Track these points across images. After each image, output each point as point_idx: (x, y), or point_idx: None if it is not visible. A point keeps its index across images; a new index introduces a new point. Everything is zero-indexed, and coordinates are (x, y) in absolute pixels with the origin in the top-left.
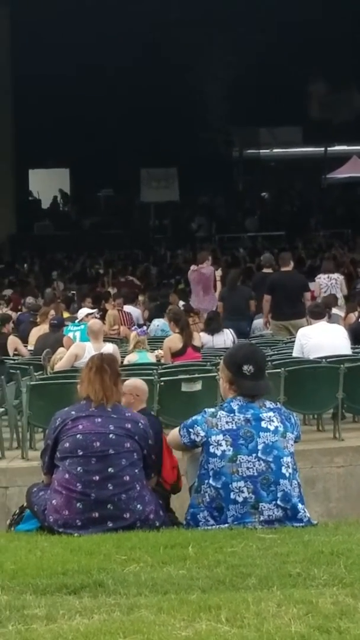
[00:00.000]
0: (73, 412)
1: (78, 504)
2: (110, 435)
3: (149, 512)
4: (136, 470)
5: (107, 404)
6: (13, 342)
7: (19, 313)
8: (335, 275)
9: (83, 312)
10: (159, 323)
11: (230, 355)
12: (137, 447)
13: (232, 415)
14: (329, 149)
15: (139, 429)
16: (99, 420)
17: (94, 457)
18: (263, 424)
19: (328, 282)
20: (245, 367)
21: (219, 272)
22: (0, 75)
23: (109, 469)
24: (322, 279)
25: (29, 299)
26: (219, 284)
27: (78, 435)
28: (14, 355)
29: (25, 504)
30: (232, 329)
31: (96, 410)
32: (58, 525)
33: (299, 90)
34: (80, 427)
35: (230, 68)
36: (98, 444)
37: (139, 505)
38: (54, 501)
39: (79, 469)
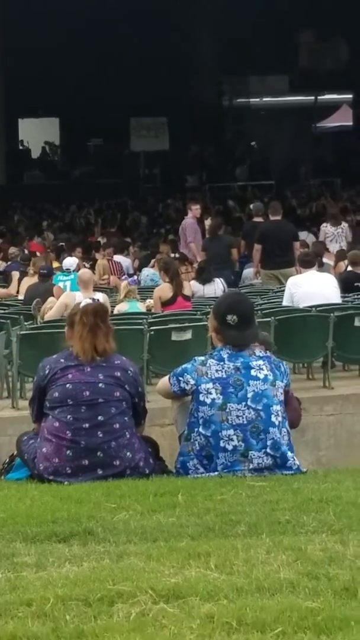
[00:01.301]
0: (62, 361)
1: (68, 452)
2: (100, 385)
3: (139, 459)
4: (126, 418)
5: (97, 358)
6: None
7: (8, 263)
8: (343, 224)
9: (69, 261)
10: (148, 273)
11: (216, 305)
12: (126, 395)
13: (221, 363)
14: (319, 97)
15: (128, 376)
16: (89, 369)
17: (84, 405)
18: (253, 373)
19: (335, 231)
20: (229, 317)
21: (208, 222)
22: None
23: (99, 417)
24: (328, 227)
25: (12, 250)
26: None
27: (67, 385)
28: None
29: (15, 453)
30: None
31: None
32: (48, 473)
33: (288, 39)
34: (69, 376)
35: (220, 17)
36: (88, 392)
37: (128, 453)
38: (43, 449)
39: (68, 417)
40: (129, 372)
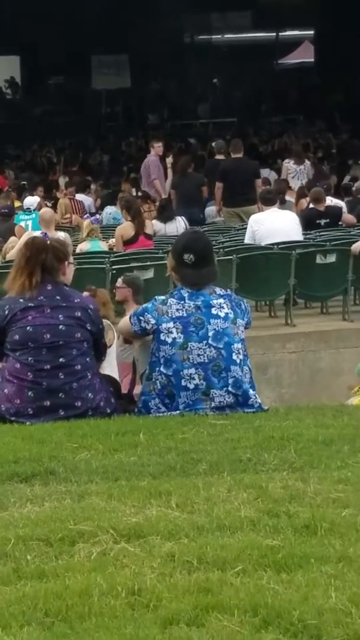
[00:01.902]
0: (21, 300)
1: (29, 393)
2: (60, 326)
3: (100, 399)
4: (87, 359)
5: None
6: None
7: None
8: (305, 162)
9: (30, 200)
10: (110, 211)
11: (174, 243)
12: (87, 335)
13: (182, 302)
14: (280, 34)
15: (88, 315)
16: (49, 310)
17: (45, 348)
18: (213, 311)
19: (297, 168)
20: (185, 256)
21: (169, 160)
22: None
23: (60, 359)
24: (290, 164)
25: None
26: (170, 172)
27: (28, 327)
28: None
29: None
30: (185, 217)
31: (45, 300)
32: (10, 414)
33: None
34: (29, 318)
35: None
36: (48, 335)
37: (90, 394)
38: (5, 390)
39: (29, 359)
40: (89, 310)
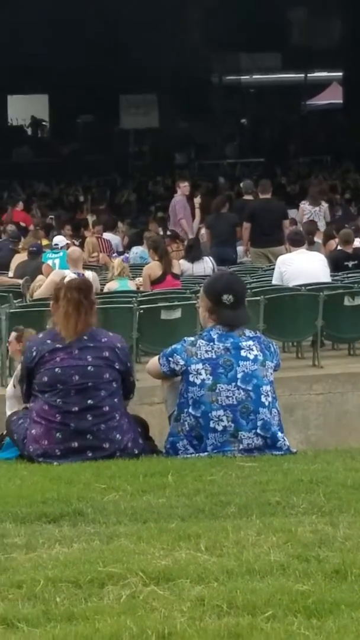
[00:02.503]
0: (49, 342)
1: (57, 434)
2: (89, 367)
3: (128, 440)
4: (115, 400)
5: (83, 334)
6: None
7: None
8: (322, 204)
9: (59, 239)
10: (137, 250)
11: (210, 284)
12: (116, 375)
13: (211, 344)
14: (308, 75)
15: (117, 354)
16: (76, 351)
17: (73, 389)
18: (242, 353)
19: (312, 209)
20: (225, 297)
21: (197, 199)
22: None
23: (88, 401)
24: (306, 205)
25: (10, 227)
26: (197, 211)
27: (56, 369)
28: None
29: (4, 432)
30: (219, 256)
31: (73, 341)
32: (37, 455)
33: (280, 16)
34: (57, 359)
35: None
36: (77, 377)
37: (117, 435)
38: (33, 431)
39: (58, 401)
40: (117, 349)
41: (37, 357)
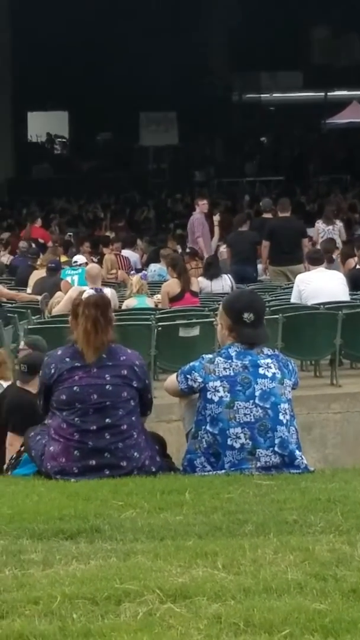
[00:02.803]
0: (67, 360)
1: (75, 452)
2: (107, 387)
3: (145, 458)
4: (133, 418)
5: (101, 352)
6: None
7: (14, 256)
8: (336, 222)
9: (79, 257)
10: (155, 268)
11: (230, 302)
12: (133, 393)
13: (229, 361)
14: (329, 94)
15: (135, 372)
16: (95, 370)
17: (91, 408)
18: (261, 371)
19: (326, 228)
20: (245, 315)
21: (217, 217)
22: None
23: (106, 420)
24: (320, 224)
25: (22, 243)
26: (216, 229)
27: (75, 388)
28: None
29: (22, 448)
30: (239, 275)
31: (92, 360)
32: (55, 472)
33: (301, 35)
34: (76, 378)
35: (232, 11)
36: (95, 396)
37: (135, 453)
38: (51, 448)
39: (76, 419)
40: (135, 367)
41: (56, 375)
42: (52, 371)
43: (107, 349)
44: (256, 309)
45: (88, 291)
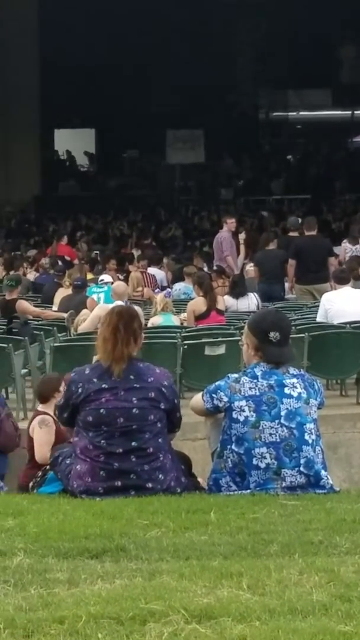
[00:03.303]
0: (95, 380)
1: (101, 472)
2: (134, 410)
3: (171, 479)
4: (160, 440)
5: (120, 366)
6: (21, 305)
7: (38, 273)
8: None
9: (105, 277)
10: (180, 286)
11: (256, 321)
12: (161, 415)
13: (255, 381)
14: (356, 112)
15: (162, 393)
16: (122, 393)
17: (117, 431)
18: (286, 390)
19: (353, 247)
20: (272, 334)
21: (242, 235)
22: (27, 34)
23: (132, 443)
24: (347, 244)
25: (45, 260)
26: (242, 247)
27: (102, 410)
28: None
29: (48, 467)
30: (267, 293)
31: (120, 381)
32: (80, 492)
33: (329, 53)
34: (103, 400)
35: (259, 28)
36: (122, 419)
37: (160, 475)
38: (77, 467)
39: (102, 442)
40: (164, 388)
41: (83, 395)
42: (80, 390)
43: (135, 367)
44: (282, 328)
45: (117, 302)
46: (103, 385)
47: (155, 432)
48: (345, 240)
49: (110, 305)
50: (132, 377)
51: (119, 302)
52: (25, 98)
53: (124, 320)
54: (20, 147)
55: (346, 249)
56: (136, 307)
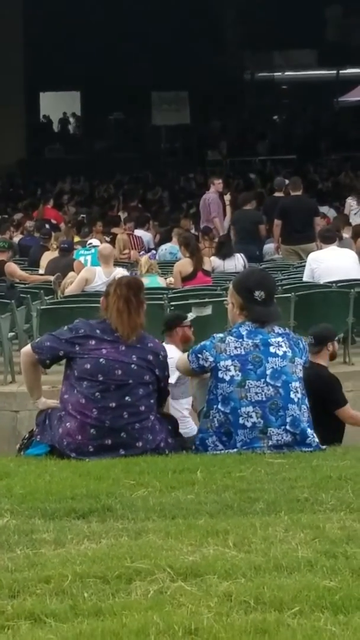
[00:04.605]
0: (98, 332)
1: (92, 430)
2: (132, 366)
3: (160, 440)
4: (151, 401)
5: (133, 335)
6: (9, 267)
7: (22, 236)
8: None
9: (94, 241)
10: (166, 247)
11: (241, 280)
12: (154, 379)
13: (240, 340)
14: (341, 72)
15: (159, 360)
16: (123, 348)
17: (114, 384)
18: (271, 349)
19: (358, 205)
20: (256, 293)
21: (228, 197)
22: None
23: (126, 398)
24: (353, 201)
25: (30, 223)
26: (228, 209)
27: (101, 360)
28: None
29: (35, 428)
30: (242, 253)
31: (120, 338)
32: (70, 450)
33: (314, 13)
34: (104, 351)
35: None
36: (120, 372)
37: (150, 435)
38: (67, 424)
39: (97, 394)
40: (160, 356)
41: (83, 340)
42: (80, 333)
43: (138, 333)
44: (267, 287)
45: (121, 271)
46: (105, 337)
47: (148, 392)
48: (351, 197)
49: (97, 268)
50: (134, 337)
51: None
52: (9, 62)
53: (133, 291)
54: (5, 111)
55: (352, 206)
56: (122, 270)
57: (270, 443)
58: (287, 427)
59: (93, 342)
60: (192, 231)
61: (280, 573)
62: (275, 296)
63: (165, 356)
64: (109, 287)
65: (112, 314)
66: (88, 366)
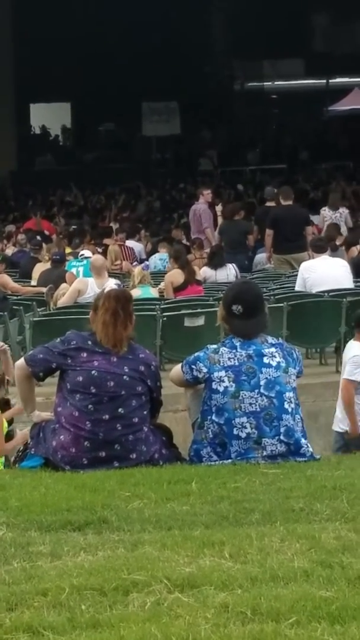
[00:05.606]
0: (90, 343)
1: (86, 443)
2: (124, 377)
3: (154, 452)
4: (144, 412)
5: (120, 348)
6: (2, 279)
7: (14, 249)
8: (341, 209)
9: (85, 252)
10: (156, 255)
11: (224, 294)
12: (146, 390)
13: (234, 351)
14: (330, 81)
15: (151, 371)
16: (115, 359)
17: (106, 396)
18: (265, 360)
19: (332, 215)
20: (234, 307)
21: (219, 207)
22: (0, 8)
23: (119, 410)
24: (326, 211)
25: (21, 236)
26: (220, 219)
27: (93, 372)
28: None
29: (29, 441)
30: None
31: (112, 349)
32: (65, 463)
33: (302, 22)
34: (95, 363)
35: (233, 1)
36: (112, 384)
37: (144, 447)
38: (61, 437)
39: (90, 406)
40: (152, 367)
41: (74, 348)
42: (72, 346)
43: (127, 344)
44: (245, 300)
45: (111, 285)
46: (97, 349)
47: (141, 404)
48: (324, 208)
49: (89, 279)
50: (124, 349)
51: (113, 282)
52: None
53: (121, 304)
54: None
55: (325, 217)
56: (115, 281)
57: (264, 453)
58: (281, 437)
59: (85, 355)
60: (184, 241)
61: (276, 583)
62: (268, 306)
63: (157, 367)
64: (97, 301)
65: (97, 327)
66: (80, 379)
